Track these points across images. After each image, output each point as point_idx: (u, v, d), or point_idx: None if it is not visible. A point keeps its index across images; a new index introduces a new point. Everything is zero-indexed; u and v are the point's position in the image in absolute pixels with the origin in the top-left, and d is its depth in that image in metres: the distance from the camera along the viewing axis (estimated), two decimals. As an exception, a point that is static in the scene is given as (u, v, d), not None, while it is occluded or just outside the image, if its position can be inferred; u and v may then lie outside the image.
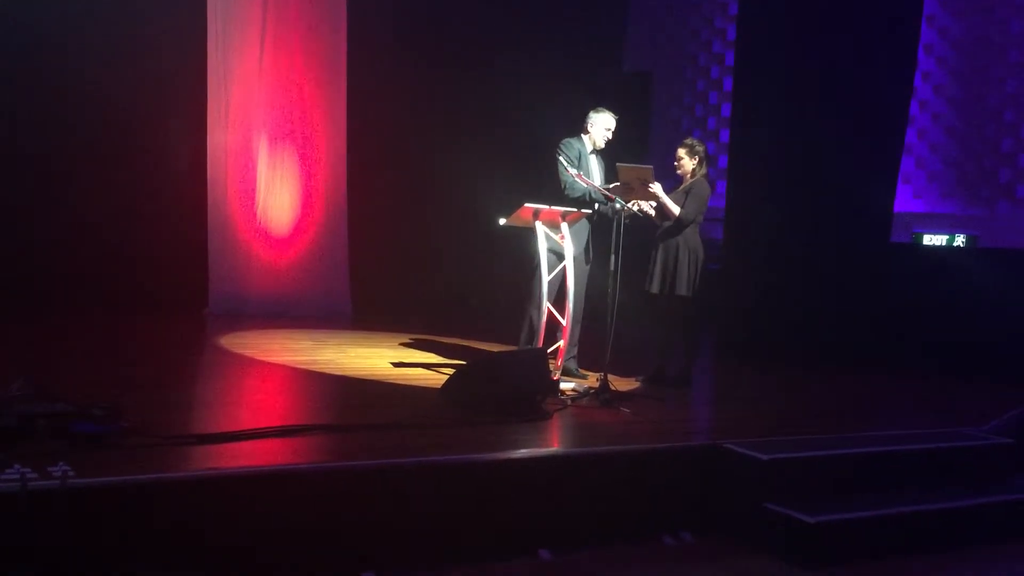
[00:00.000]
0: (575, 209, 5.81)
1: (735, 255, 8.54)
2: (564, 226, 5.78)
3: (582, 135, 6.21)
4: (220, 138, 8.90)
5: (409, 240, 9.95)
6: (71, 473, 3.17)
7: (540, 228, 5.73)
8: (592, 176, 6.12)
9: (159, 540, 3.30)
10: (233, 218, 8.95)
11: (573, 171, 5.91)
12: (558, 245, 5.82)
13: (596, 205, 6.02)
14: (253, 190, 9.04)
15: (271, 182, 9.13)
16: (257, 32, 8.98)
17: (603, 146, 6.23)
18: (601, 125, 6.17)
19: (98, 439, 3.62)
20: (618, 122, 6.21)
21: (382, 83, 9.61)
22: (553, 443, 4.66)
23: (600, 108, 6.23)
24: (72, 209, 8.32)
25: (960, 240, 9.33)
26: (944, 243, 9.51)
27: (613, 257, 5.53)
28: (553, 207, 5.71)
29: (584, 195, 5.97)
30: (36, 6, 8.04)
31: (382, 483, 3.76)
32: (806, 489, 4.52)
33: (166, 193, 8.72)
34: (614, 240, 5.52)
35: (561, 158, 6.01)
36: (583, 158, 6.11)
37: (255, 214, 9.05)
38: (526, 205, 5.63)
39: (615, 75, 11.47)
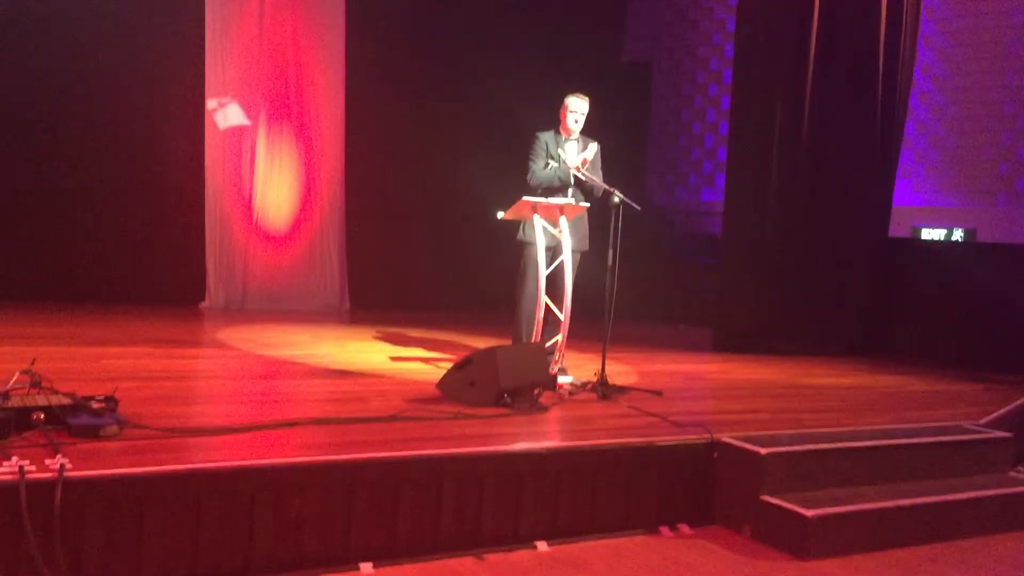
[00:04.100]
0: (573, 203, 5.80)
1: (733, 249, 8.54)
2: (563, 219, 5.75)
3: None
4: (218, 132, 8.89)
5: (407, 234, 9.93)
6: (68, 465, 3.17)
7: (538, 222, 5.70)
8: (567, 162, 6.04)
9: (156, 533, 3.31)
10: (231, 212, 8.96)
11: (539, 163, 5.95)
12: (553, 240, 5.79)
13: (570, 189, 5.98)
14: (251, 184, 9.05)
15: (268, 176, 9.13)
16: (255, 18, 8.96)
17: (576, 130, 6.08)
18: (563, 110, 6.11)
19: (95, 432, 3.62)
20: (589, 102, 6.07)
21: (380, 76, 9.59)
22: (551, 436, 4.66)
23: (570, 93, 6.12)
24: (69, 203, 8.31)
25: (959, 234, 9.33)
26: (943, 237, 9.50)
27: (611, 252, 5.51)
28: (551, 201, 5.69)
29: (550, 181, 5.94)
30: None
31: (380, 475, 3.77)
32: (804, 482, 4.53)
33: (164, 187, 8.73)
34: (612, 235, 5.50)
35: (531, 153, 6.04)
36: (552, 147, 6.04)
37: (253, 208, 9.06)
38: (524, 199, 5.61)
39: (615, 66, 11.46)
